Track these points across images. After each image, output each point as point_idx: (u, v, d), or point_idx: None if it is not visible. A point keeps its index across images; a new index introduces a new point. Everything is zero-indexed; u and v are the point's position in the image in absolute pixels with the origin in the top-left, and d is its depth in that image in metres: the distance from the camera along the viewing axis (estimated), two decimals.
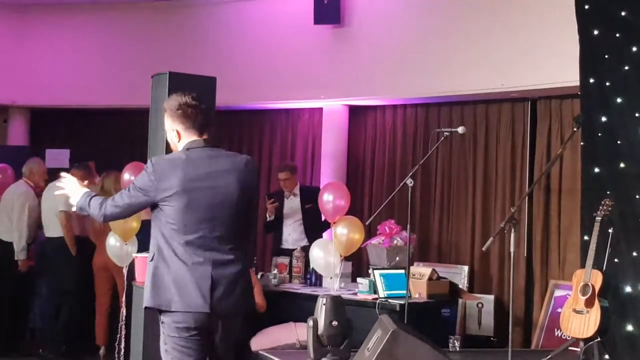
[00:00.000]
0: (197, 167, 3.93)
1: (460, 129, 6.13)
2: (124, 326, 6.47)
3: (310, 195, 7.92)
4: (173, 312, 3.81)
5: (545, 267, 7.57)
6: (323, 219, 7.77)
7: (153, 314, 3.98)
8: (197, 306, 3.81)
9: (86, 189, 4.20)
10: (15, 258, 7.81)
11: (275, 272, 7.77)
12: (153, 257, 3.90)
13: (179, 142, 4.03)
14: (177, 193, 3.86)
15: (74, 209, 4.27)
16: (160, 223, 3.90)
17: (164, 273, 3.83)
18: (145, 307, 3.94)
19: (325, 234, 7.90)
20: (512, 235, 4.67)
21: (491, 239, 4.75)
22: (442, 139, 6.17)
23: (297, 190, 8.28)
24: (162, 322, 3.87)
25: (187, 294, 3.81)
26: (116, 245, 6.71)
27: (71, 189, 4.22)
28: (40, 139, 10.72)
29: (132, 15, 10.08)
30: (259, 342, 6.56)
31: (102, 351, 7.32)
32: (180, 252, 3.83)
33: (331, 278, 7.10)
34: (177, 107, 4.01)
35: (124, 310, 6.48)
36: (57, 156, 8.59)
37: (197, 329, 3.84)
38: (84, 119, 10.47)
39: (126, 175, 6.80)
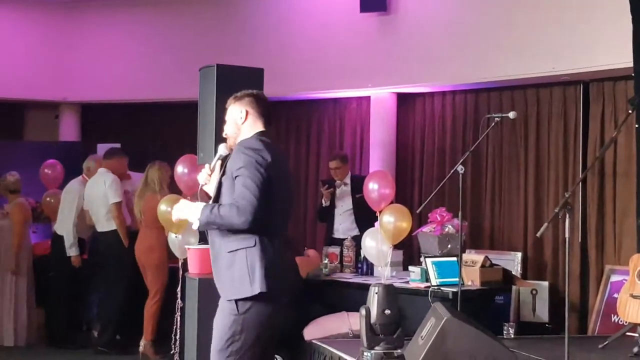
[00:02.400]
0: (278, 154, 3.96)
1: (512, 114, 6.04)
2: (179, 317, 6.51)
3: (360, 185, 7.89)
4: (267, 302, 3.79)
5: (600, 252, 7.45)
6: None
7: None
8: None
9: (195, 203, 3.92)
10: (67, 254, 7.93)
11: (326, 261, 7.78)
12: (252, 245, 3.81)
13: (243, 123, 4.00)
14: (280, 173, 3.89)
15: (194, 227, 3.89)
16: None
17: (268, 261, 3.79)
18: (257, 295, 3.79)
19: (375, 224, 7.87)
20: (567, 220, 4.59)
21: (545, 224, 4.66)
22: (493, 124, 6.09)
23: (347, 180, 8.28)
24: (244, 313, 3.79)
25: (283, 284, 3.81)
26: (179, 238, 6.74)
27: (184, 210, 3.96)
28: (91, 135, 10.86)
29: (179, 8, 10.14)
30: (311, 332, 6.58)
31: (142, 347, 7.28)
32: (278, 239, 3.84)
33: (381, 268, 7.08)
34: (254, 93, 4.08)
35: (179, 301, 6.52)
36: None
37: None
38: (134, 113, 10.57)
39: (179, 169, 6.84)
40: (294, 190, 4.10)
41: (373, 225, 7.61)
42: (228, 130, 4.07)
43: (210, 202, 3.90)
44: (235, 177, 3.78)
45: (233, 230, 3.77)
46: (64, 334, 8.06)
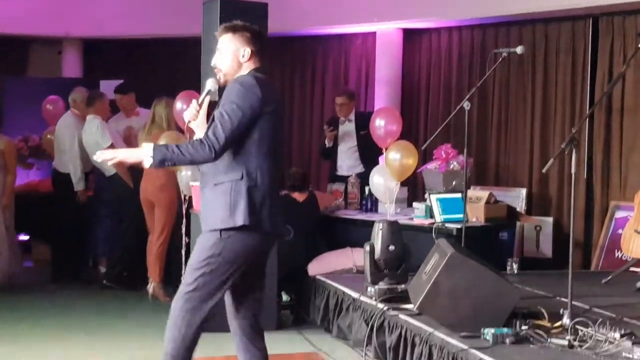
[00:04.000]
0: (271, 91, 3.90)
1: (519, 49, 5.96)
2: (184, 253, 6.52)
3: (365, 122, 7.86)
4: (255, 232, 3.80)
5: (605, 188, 7.44)
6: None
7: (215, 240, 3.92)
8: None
9: (148, 144, 3.79)
10: (75, 189, 7.92)
11: None
12: (238, 178, 3.77)
13: (247, 61, 3.89)
14: (273, 111, 3.83)
15: (147, 165, 3.73)
16: (249, 141, 3.78)
17: (254, 193, 3.77)
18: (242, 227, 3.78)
19: (381, 160, 7.85)
20: (574, 156, 4.56)
21: (552, 160, 4.63)
22: (500, 59, 6.02)
23: (352, 117, 8.24)
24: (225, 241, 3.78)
25: (273, 216, 3.81)
26: (187, 175, 6.70)
27: (129, 153, 3.90)
28: (94, 71, 10.79)
29: None
30: (315, 268, 6.61)
31: (150, 286, 7.30)
32: (266, 173, 3.81)
33: (387, 204, 7.08)
34: (255, 30, 3.94)
35: (185, 238, 6.53)
36: (112, 87, 8.60)
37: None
38: (137, 49, 10.48)
39: (178, 105, 6.79)
40: (285, 129, 4.01)
41: (377, 162, 7.60)
42: (224, 65, 3.90)
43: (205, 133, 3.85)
44: (219, 108, 3.74)
45: (222, 164, 3.77)
46: (70, 270, 8.10)
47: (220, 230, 3.75)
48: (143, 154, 3.71)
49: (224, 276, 3.80)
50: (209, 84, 3.94)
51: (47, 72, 11.04)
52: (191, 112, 3.89)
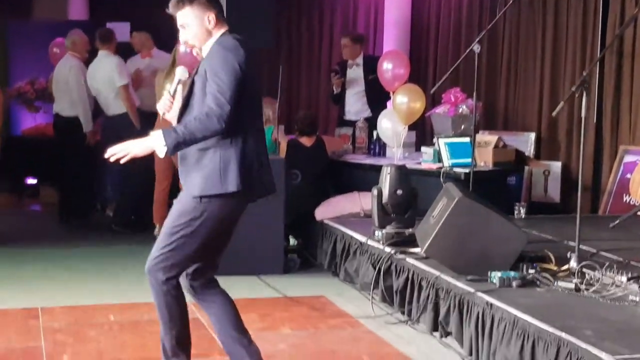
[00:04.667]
0: (249, 50, 3.71)
1: None
2: None
3: (373, 66, 7.81)
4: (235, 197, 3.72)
5: (615, 132, 7.39)
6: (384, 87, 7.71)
7: None
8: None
9: (156, 132, 3.63)
10: (84, 131, 7.90)
11: None
12: (228, 143, 3.63)
13: (214, 27, 3.71)
14: (252, 71, 3.69)
15: (161, 156, 3.60)
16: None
17: (244, 158, 3.67)
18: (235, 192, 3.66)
19: (388, 104, 7.81)
20: (584, 99, 4.52)
21: (562, 103, 4.60)
22: (511, 2, 5.95)
23: (360, 60, 8.18)
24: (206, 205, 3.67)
25: (263, 178, 3.74)
26: None
27: (141, 146, 3.67)
28: (100, 13, 10.70)
29: None
30: (323, 212, 6.63)
31: (157, 231, 7.32)
32: (253, 134, 3.74)
33: (394, 148, 7.07)
34: None
35: None
36: (118, 30, 8.53)
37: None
38: None
39: (182, 48, 6.73)
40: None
41: (385, 107, 7.56)
42: (194, 39, 3.73)
43: (180, 103, 3.73)
44: (209, 79, 3.58)
45: None
46: (78, 214, 8.13)
47: (201, 197, 3.64)
48: (156, 144, 3.57)
49: (204, 239, 3.68)
50: (179, 73, 3.77)
51: (53, 15, 10.95)
52: (164, 104, 3.75)
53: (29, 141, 9.72)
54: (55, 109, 8.21)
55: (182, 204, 3.70)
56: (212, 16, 3.72)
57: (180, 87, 3.79)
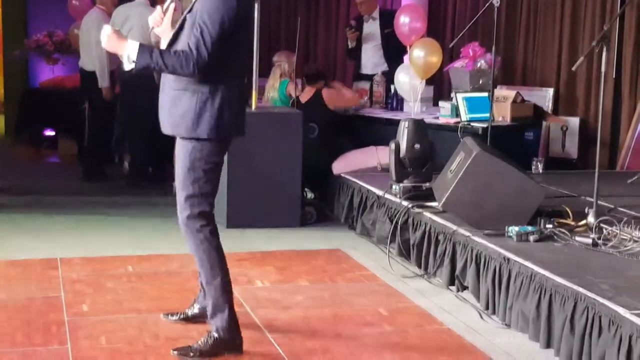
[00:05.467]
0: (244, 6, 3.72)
1: None
2: None
3: (389, 19, 7.76)
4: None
5: (634, 87, 7.32)
6: (401, 41, 7.66)
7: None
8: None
9: (133, 41, 3.62)
10: (99, 86, 7.89)
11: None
12: (206, 90, 3.66)
13: None
14: (246, 18, 3.70)
15: (126, 69, 3.64)
16: (219, 53, 3.61)
17: (201, 102, 3.68)
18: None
19: (405, 59, 7.77)
20: (604, 54, 4.49)
21: (582, 58, 4.56)
22: None
23: (376, 14, 8.13)
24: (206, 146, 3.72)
25: (230, 129, 3.77)
26: None
27: (117, 45, 3.65)
28: None
29: None
30: (340, 166, 6.64)
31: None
32: (234, 85, 3.74)
33: (412, 103, 7.05)
34: None
35: None
36: None
37: None
38: None
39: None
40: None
41: (402, 61, 7.53)
42: None
43: (169, 38, 3.72)
44: (197, 22, 3.57)
45: None
46: (96, 166, 8.16)
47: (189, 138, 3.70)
48: (128, 55, 3.58)
49: (212, 175, 3.75)
50: None
51: None
52: (155, 19, 3.79)
53: (47, 93, 9.75)
54: (80, 63, 8.19)
55: (180, 145, 3.74)
56: None
57: (173, 5, 3.80)
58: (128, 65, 3.61)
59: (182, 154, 3.75)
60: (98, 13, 8.02)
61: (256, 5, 6.09)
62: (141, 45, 3.59)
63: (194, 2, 3.69)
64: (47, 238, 5.83)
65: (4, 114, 11.09)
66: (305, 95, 6.96)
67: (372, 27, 8.10)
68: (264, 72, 7.18)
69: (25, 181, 7.97)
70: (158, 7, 3.83)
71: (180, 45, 3.65)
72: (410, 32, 7.32)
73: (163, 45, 3.81)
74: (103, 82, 7.85)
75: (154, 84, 7.48)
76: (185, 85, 3.67)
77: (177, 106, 3.70)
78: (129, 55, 3.58)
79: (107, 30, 3.70)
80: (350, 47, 8.21)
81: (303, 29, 9.36)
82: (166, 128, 3.78)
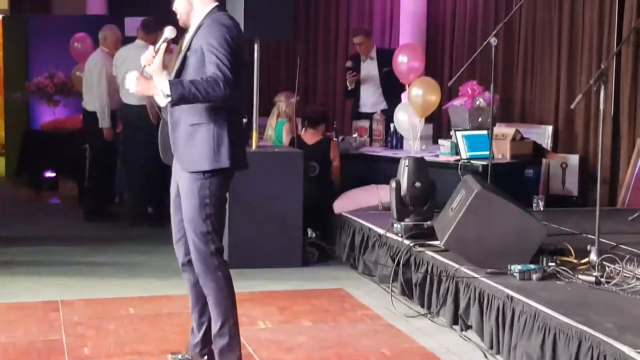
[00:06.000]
0: (241, 32, 3.84)
1: None
2: None
3: (387, 58, 7.83)
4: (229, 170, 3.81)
5: (633, 124, 7.36)
6: (399, 80, 7.72)
7: None
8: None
9: (159, 78, 3.65)
10: (100, 126, 7.92)
11: (355, 135, 7.79)
12: (222, 118, 3.72)
13: None
14: (243, 48, 3.80)
15: (162, 104, 3.66)
16: None
17: (217, 133, 3.74)
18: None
19: (403, 96, 7.82)
20: (602, 92, 4.51)
21: (580, 96, 4.59)
22: None
23: (373, 54, 8.20)
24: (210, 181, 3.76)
25: (242, 159, 3.83)
26: None
27: (146, 86, 3.69)
28: (118, 8, 10.73)
29: None
30: (341, 205, 6.65)
31: None
32: (239, 111, 3.82)
33: (411, 141, 7.07)
34: None
35: None
36: (136, 25, 8.55)
37: None
38: None
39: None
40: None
41: (400, 99, 7.58)
42: (178, 6, 3.84)
43: (172, 77, 3.75)
44: (207, 51, 3.64)
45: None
46: (97, 207, 8.16)
47: (204, 172, 3.73)
48: (159, 91, 3.62)
49: (221, 212, 3.80)
50: (167, 32, 3.83)
51: (72, 9, 11.01)
52: (146, 57, 3.82)
53: (48, 135, 9.78)
54: (83, 103, 8.24)
55: (188, 183, 3.76)
56: None
57: (164, 45, 3.83)
58: (164, 101, 3.63)
59: (190, 191, 3.76)
60: (101, 55, 8.08)
61: (256, 46, 6.18)
62: (170, 81, 3.63)
63: (191, 40, 3.75)
64: (47, 280, 5.80)
65: (4, 156, 11.13)
66: (311, 138, 6.97)
67: (370, 67, 8.16)
68: (264, 112, 7.21)
69: (26, 223, 7.96)
70: (150, 47, 3.87)
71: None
72: (409, 71, 7.39)
73: (160, 101, 3.83)
74: (104, 122, 7.89)
75: (151, 125, 7.55)
76: (200, 118, 3.71)
77: (195, 140, 3.73)
78: (162, 91, 3.60)
79: (133, 75, 3.69)
80: (349, 88, 8.27)
81: (302, 70, 9.42)
82: (184, 165, 3.77)
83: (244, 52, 3.82)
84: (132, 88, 3.70)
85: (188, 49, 3.75)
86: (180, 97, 3.59)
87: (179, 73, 3.77)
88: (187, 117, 3.74)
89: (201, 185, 3.73)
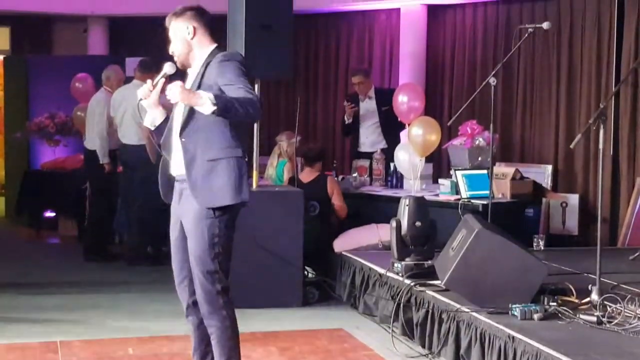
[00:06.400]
0: None
1: (545, 24, 5.93)
2: None
3: (386, 98, 7.88)
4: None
5: (632, 164, 7.40)
6: (399, 119, 7.76)
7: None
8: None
9: (201, 91, 3.70)
10: (100, 162, 7.94)
11: (355, 175, 7.80)
12: (239, 155, 3.80)
13: (192, 39, 3.88)
14: None
15: (207, 111, 3.61)
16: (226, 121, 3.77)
17: (238, 167, 3.80)
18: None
19: (402, 135, 7.83)
20: (601, 132, 4.53)
21: (579, 136, 4.61)
22: (526, 36, 5.98)
23: (372, 94, 8.23)
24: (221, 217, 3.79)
25: (245, 186, 3.85)
26: None
27: (189, 95, 3.65)
28: (119, 49, 10.82)
29: None
30: (341, 244, 6.63)
31: None
32: (244, 148, 3.86)
33: (411, 180, 7.09)
34: (194, 7, 3.97)
35: None
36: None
37: None
38: (162, 26, 10.46)
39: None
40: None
41: (399, 137, 7.61)
42: (176, 49, 3.92)
43: (185, 113, 3.80)
44: (227, 85, 3.71)
45: (217, 138, 3.78)
46: (97, 247, 8.15)
47: (215, 209, 3.75)
48: (206, 101, 3.60)
49: (229, 249, 3.84)
50: (167, 67, 3.89)
51: (73, 50, 11.10)
52: (144, 91, 3.86)
53: (48, 175, 9.80)
54: (85, 142, 8.27)
55: (198, 219, 3.77)
56: (191, 28, 3.90)
57: (162, 80, 3.86)
58: (209, 108, 3.61)
59: (199, 229, 3.77)
60: (103, 94, 8.13)
61: (257, 86, 6.21)
62: (216, 94, 3.65)
63: (202, 78, 3.78)
64: (46, 321, 5.77)
65: (4, 196, 11.13)
66: (307, 176, 6.99)
67: (368, 106, 8.19)
68: (264, 151, 7.24)
69: (26, 262, 7.94)
70: (148, 81, 3.92)
71: (202, 122, 3.75)
72: (409, 110, 7.42)
73: (148, 122, 3.95)
74: (103, 158, 7.92)
75: (150, 164, 7.56)
76: (217, 153, 3.77)
77: (215, 175, 3.76)
78: (210, 98, 3.59)
79: (177, 84, 3.66)
80: (347, 122, 8.26)
81: (302, 109, 9.46)
82: (202, 200, 3.77)
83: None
84: (176, 97, 3.66)
85: (199, 86, 3.78)
86: (224, 107, 3.61)
87: (190, 114, 3.78)
88: (203, 153, 3.78)
89: (211, 223, 3.75)
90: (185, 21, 3.92)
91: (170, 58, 3.97)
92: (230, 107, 3.62)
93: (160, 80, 3.86)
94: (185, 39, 3.90)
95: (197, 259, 3.77)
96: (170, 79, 3.85)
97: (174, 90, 3.64)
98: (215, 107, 3.59)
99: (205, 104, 3.60)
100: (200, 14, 3.95)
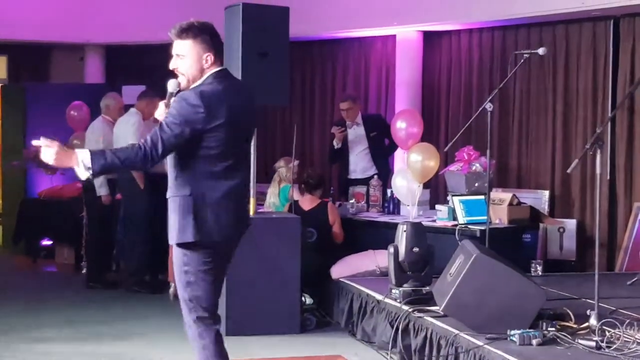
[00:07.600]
0: (230, 99, 3.77)
1: (541, 50, 5.95)
2: None
3: (373, 123, 7.92)
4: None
5: (629, 189, 7.41)
6: (387, 142, 7.77)
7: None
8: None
9: (81, 150, 3.60)
10: (97, 194, 7.93)
11: (352, 201, 7.79)
12: (187, 194, 3.72)
13: (209, 67, 3.79)
14: (229, 122, 3.71)
15: (82, 178, 3.58)
16: (197, 156, 3.69)
17: (201, 210, 3.73)
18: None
19: (398, 159, 7.83)
20: (598, 157, 4.54)
21: (576, 161, 4.62)
22: (522, 61, 6.01)
23: (359, 119, 8.22)
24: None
25: (225, 228, 3.78)
26: None
27: (64, 158, 3.56)
28: (116, 77, 10.85)
29: None
30: (339, 271, 6.62)
31: (172, 289, 7.24)
32: (217, 188, 3.75)
33: (409, 206, 7.09)
34: (211, 29, 3.85)
35: None
36: (134, 92, 8.61)
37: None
38: (159, 54, 10.46)
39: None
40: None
41: (388, 161, 7.62)
42: (188, 71, 3.79)
43: None
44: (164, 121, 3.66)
45: (176, 175, 3.75)
46: (95, 274, 8.12)
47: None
48: (80, 163, 3.52)
49: (209, 281, 3.78)
50: (171, 86, 3.88)
51: (69, 78, 11.13)
52: (160, 114, 3.84)
53: (45, 203, 9.79)
54: None
55: (175, 250, 3.80)
56: (210, 57, 3.80)
57: (174, 99, 3.84)
58: (84, 174, 3.55)
59: (176, 258, 3.80)
60: (101, 123, 8.14)
61: None
62: (91, 151, 3.57)
63: None
64: (43, 349, 5.74)
65: (1, 224, 11.10)
66: (308, 204, 6.99)
67: (357, 132, 8.17)
68: (262, 178, 7.24)
69: (24, 291, 7.91)
70: (161, 103, 3.88)
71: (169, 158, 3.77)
72: (407, 137, 7.45)
73: None
74: (101, 189, 7.89)
75: (139, 189, 7.56)
76: (175, 190, 3.76)
77: (171, 212, 3.78)
78: (83, 163, 3.52)
79: (51, 147, 3.57)
80: (336, 147, 8.23)
81: (299, 136, 9.48)
82: (170, 235, 3.81)
83: (219, 117, 3.69)
84: (50, 160, 3.56)
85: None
86: (101, 169, 3.55)
87: None
88: (170, 188, 3.80)
89: (181, 253, 3.77)
90: (205, 48, 3.78)
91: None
92: (109, 167, 3.57)
93: (172, 99, 3.85)
94: (201, 66, 3.79)
95: (177, 285, 3.83)
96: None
97: (48, 153, 3.56)
98: (89, 173, 3.53)
99: (79, 169, 3.54)
100: (216, 37, 3.85)
